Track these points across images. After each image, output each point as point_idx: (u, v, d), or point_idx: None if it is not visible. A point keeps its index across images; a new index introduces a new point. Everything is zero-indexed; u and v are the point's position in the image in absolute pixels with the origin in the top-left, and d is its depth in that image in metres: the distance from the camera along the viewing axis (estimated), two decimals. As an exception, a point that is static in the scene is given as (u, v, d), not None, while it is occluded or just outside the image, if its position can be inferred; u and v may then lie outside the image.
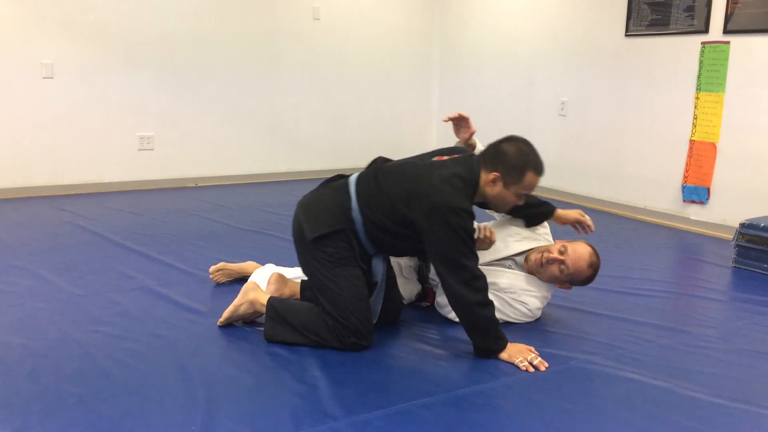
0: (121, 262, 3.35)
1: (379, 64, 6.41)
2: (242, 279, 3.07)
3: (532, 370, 2.26)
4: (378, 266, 2.47)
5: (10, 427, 1.82)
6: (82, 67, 5.07)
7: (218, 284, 3.04)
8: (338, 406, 1.97)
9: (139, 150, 5.41)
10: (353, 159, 6.40)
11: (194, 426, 1.85)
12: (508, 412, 1.97)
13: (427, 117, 6.82)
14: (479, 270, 2.29)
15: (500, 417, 1.94)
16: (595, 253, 2.63)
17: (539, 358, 2.30)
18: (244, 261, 3.20)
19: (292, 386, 2.10)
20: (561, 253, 2.60)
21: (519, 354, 2.31)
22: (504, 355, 2.32)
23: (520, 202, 2.41)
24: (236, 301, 2.54)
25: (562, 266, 2.59)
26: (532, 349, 2.35)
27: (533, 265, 2.67)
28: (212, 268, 3.06)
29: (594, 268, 2.62)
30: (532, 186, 2.35)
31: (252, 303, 2.50)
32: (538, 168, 2.32)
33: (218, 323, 2.56)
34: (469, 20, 6.32)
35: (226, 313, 2.54)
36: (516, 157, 2.30)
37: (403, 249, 2.53)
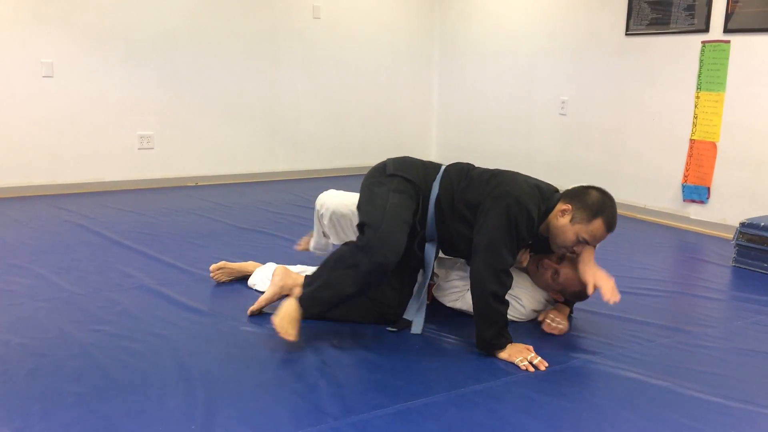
0: (121, 261, 3.35)
1: (379, 63, 6.41)
2: (243, 278, 3.08)
3: (532, 369, 2.26)
4: (430, 253, 2.49)
5: (9, 426, 1.82)
6: (82, 65, 5.07)
7: (219, 283, 3.04)
8: (338, 405, 1.97)
9: (139, 149, 5.40)
10: (353, 158, 6.40)
11: (194, 425, 1.85)
12: (508, 411, 1.97)
13: (427, 116, 6.82)
14: (509, 268, 2.35)
15: (500, 416, 1.94)
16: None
17: (539, 358, 2.30)
18: (244, 260, 3.21)
19: (292, 385, 2.10)
20: (559, 261, 2.59)
21: (518, 354, 2.31)
22: (504, 355, 2.32)
23: (577, 250, 2.42)
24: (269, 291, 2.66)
25: (555, 275, 2.60)
26: (531, 348, 2.35)
27: (530, 268, 2.68)
28: (213, 267, 3.06)
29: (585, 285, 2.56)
30: (596, 236, 2.38)
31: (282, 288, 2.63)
32: (610, 222, 2.38)
33: (249, 312, 2.66)
34: (469, 19, 6.31)
35: (261, 302, 2.66)
36: (595, 202, 2.38)
37: (455, 236, 2.49)
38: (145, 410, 1.92)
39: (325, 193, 3.06)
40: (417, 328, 2.53)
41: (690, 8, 4.43)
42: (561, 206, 2.40)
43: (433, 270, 2.63)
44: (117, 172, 5.34)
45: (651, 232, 4.41)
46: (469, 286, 2.48)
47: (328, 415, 1.91)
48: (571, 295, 2.66)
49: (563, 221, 2.39)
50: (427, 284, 2.58)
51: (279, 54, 5.87)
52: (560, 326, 2.58)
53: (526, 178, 2.48)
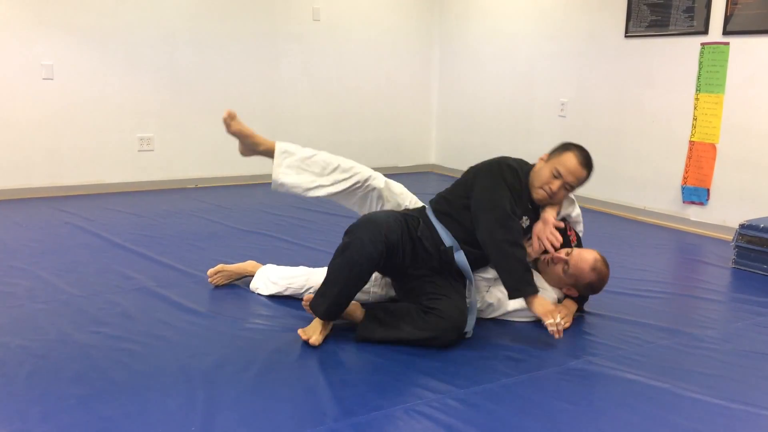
0: (121, 263, 3.35)
1: (378, 64, 6.41)
2: (241, 279, 3.07)
3: (558, 336, 2.34)
4: (461, 258, 2.52)
5: (9, 427, 1.82)
6: (82, 68, 5.07)
7: (217, 287, 3.04)
8: (338, 407, 1.97)
9: (138, 151, 5.41)
10: (353, 160, 6.38)
11: (194, 427, 1.85)
12: (508, 412, 1.97)
13: (426, 118, 6.82)
14: (513, 214, 2.44)
15: (500, 417, 1.94)
16: (603, 261, 2.63)
17: (563, 322, 2.45)
18: (244, 262, 3.20)
19: (292, 387, 2.10)
20: (567, 254, 2.63)
21: (550, 315, 2.35)
22: (538, 309, 2.38)
23: (553, 187, 2.51)
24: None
25: (566, 266, 2.62)
26: (561, 310, 2.51)
27: (541, 266, 2.72)
28: (210, 271, 3.04)
29: (598, 272, 2.60)
30: (568, 166, 2.50)
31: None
32: (582, 156, 2.53)
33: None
34: (468, 21, 6.32)
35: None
36: (565, 143, 2.62)
37: (467, 225, 2.52)
38: (145, 412, 1.92)
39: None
40: (469, 329, 2.50)
41: (689, 10, 4.43)
42: (539, 160, 2.63)
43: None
44: (117, 174, 5.34)
45: (651, 234, 4.41)
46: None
47: (328, 417, 1.91)
48: (584, 289, 2.67)
49: (540, 164, 2.61)
50: (473, 288, 2.57)
51: (279, 56, 5.88)
52: (564, 327, 2.56)
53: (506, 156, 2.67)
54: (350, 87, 6.30)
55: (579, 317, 2.78)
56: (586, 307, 2.86)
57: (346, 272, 2.35)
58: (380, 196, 2.83)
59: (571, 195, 2.70)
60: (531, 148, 5.86)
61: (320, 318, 2.42)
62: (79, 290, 2.94)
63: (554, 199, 2.58)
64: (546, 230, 2.55)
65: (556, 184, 2.52)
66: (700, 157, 4.46)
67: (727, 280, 3.44)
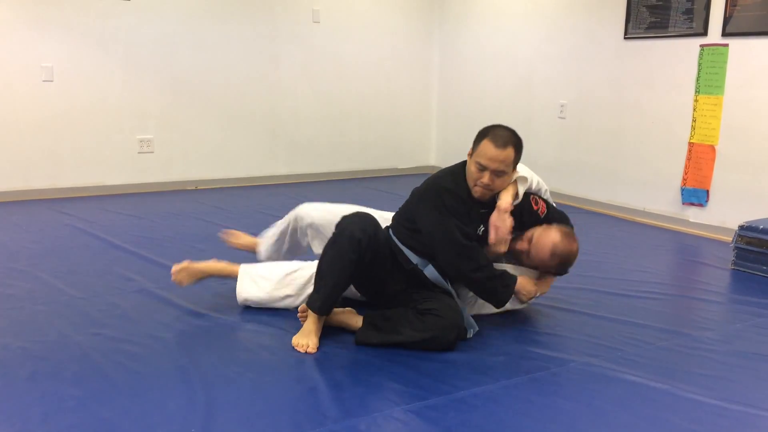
0: (121, 265, 3.35)
1: (378, 66, 6.42)
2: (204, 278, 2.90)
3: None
4: (432, 271, 2.55)
5: (10, 428, 1.82)
6: (82, 70, 5.08)
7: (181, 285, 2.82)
8: (337, 408, 1.97)
9: (138, 153, 5.41)
10: (353, 161, 6.41)
11: (194, 428, 1.85)
12: (507, 414, 1.98)
13: (426, 119, 6.83)
14: (467, 239, 2.43)
15: (499, 419, 1.94)
16: (565, 240, 2.57)
17: (539, 294, 2.64)
18: (244, 263, 3.20)
19: (292, 388, 2.10)
20: (529, 241, 2.61)
21: (531, 296, 2.61)
22: (522, 297, 2.60)
23: (483, 179, 2.43)
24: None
25: (528, 255, 2.62)
26: (540, 286, 2.64)
27: (511, 251, 2.66)
28: (174, 269, 2.79)
29: (558, 257, 2.57)
30: (488, 155, 2.41)
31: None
32: (497, 138, 2.42)
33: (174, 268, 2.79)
34: (468, 22, 6.33)
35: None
36: (482, 129, 2.50)
37: (425, 248, 2.55)
38: (145, 413, 1.92)
39: (305, 205, 3.00)
40: (470, 328, 2.54)
41: (688, 12, 4.44)
42: (467, 156, 2.53)
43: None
44: (117, 176, 5.34)
45: (650, 235, 4.41)
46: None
47: (328, 418, 1.91)
48: (555, 269, 2.66)
49: (468, 162, 2.52)
50: (455, 294, 2.59)
51: (279, 58, 5.88)
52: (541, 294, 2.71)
53: (440, 170, 2.64)
54: (350, 88, 6.30)
55: (578, 318, 2.78)
56: (586, 307, 2.87)
57: (338, 263, 2.38)
58: (311, 225, 2.90)
59: (520, 170, 2.58)
60: (530, 150, 5.84)
61: (316, 313, 2.41)
62: (79, 292, 2.94)
63: (493, 190, 2.49)
64: (498, 218, 2.49)
65: (485, 177, 2.42)
66: (700, 158, 4.47)
67: (726, 282, 3.44)
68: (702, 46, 4.39)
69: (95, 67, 5.12)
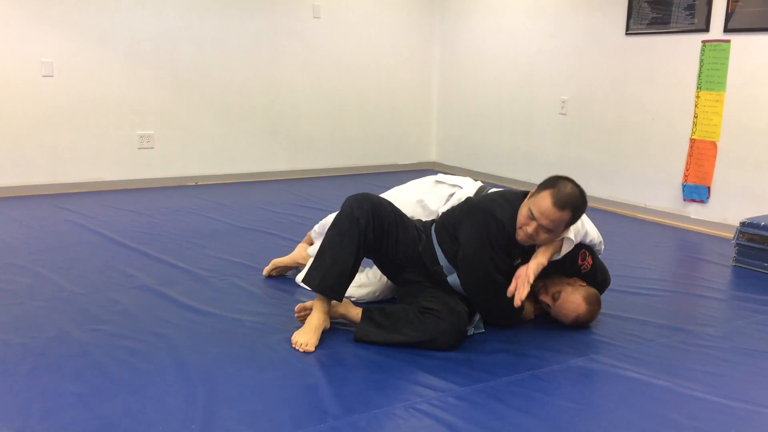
0: (121, 261, 3.35)
1: (379, 62, 6.40)
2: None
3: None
4: (455, 280, 2.53)
5: (9, 425, 1.82)
6: (82, 65, 5.06)
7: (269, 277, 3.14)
8: (338, 404, 1.97)
9: (139, 148, 5.40)
10: (353, 158, 6.40)
11: (194, 425, 1.85)
12: (509, 410, 1.97)
13: (427, 115, 6.81)
14: (496, 275, 2.40)
15: (501, 416, 1.94)
16: (589, 309, 2.56)
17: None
18: (245, 260, 3.19)
19: (293, 385, 2.10)
20: (554, 299, 2.59)
21: (527, 317, 2.69)
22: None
23: (529, 230, 2.34)
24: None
25: (549, 309, 2.63)
26: (532, 311, 2.69)
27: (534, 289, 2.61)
28: (266, 270, 3.15)
29: (579, 325, 2.60)
30: (540, 207, 2.30)
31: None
32: (558, 196, 2.29)
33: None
34: (469, 18, 6.31)
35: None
36: (549, 179, 2.40)
37: (455, 250, 2.51)
38: (145, 410, 1.92)
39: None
40: (473, 326, 2.55)
41: (690, 8, 4.42)
42: (530, 194, 2.44)
43: None
44: (117, 172, 5.34)
45: (651, 232, 4.41)
46: None
47: (329, 415, 1.91)
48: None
49: (524, 202, 2.42)
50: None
51: (279, 53, 5.87)
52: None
53: (501, 193, 2.56)
54: (350, 84, 6.29)
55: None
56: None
57: (338, 240, 2.40)
58: None
59: (571, 231, 2.43)
60: (531, 146, 5.87)
61: (315, 290, 2.40)
62: (79, 288, 2.94)
63: (536, 242, 2.39)
64: (523, 277, 2.37)
65: (531, 227, 2.33)
66: (701, 154, 4.46)
67: (727, 278, 3.43)
68: (704, 42, 4.38)
69: (95, 63, 5.11)
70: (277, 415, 1.91)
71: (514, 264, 2.46)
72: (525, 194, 2.47)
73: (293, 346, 2.35)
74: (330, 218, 2.98)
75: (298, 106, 6.05)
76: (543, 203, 2.30)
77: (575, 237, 2.46)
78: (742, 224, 3.58)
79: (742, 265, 3.57)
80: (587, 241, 2.59)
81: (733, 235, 3.69)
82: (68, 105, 5.06)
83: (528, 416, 1.94)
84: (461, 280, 2.48)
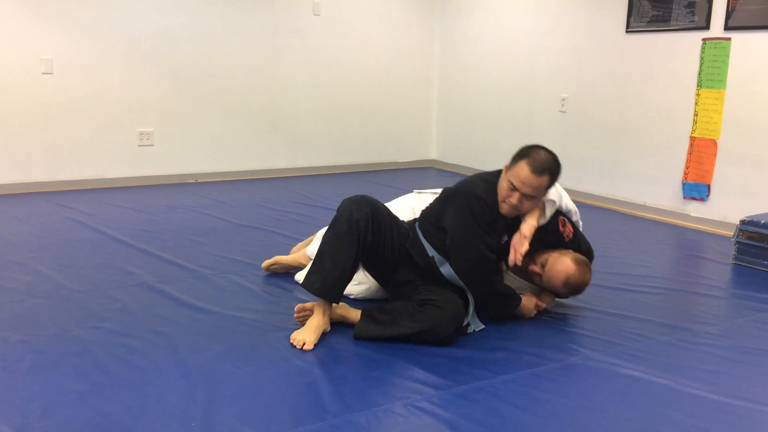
0: (121, 259, 3.35)
1: (379, 59, 6.40)
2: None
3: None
4: (450, 270, 2.55)
5: (9, 423, 1.82)
6: (82, 62, 5.06)
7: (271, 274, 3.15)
8: (338, 402, 1.97)
9: (138, 146, 5.40)
10: (353, 155, 6.39)
11: (194, 422, 1.85)
12: (508, 408, 1.97)
13: (427, 113, 6.81)
14: (487, 252, 2.44)
15: (500, 414, 1.94)
16: (579, 271, 2.56)
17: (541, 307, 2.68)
18: (245, 258, 3.19)
19: (292, 383, 2.10)
20: (542, 266, 2.60)
21: (532, 314, 2.67)
22: (524, 314, 2.66)
23: (513, 200, 2.42)
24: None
25: (541, 279, 2.64)
26: (539, 303, 2.67)
27: (523, 268, 2.68)
28: (265, 264, 3.15)
29: (569, 286, 2.59)
30: (521, 178, 2.39)
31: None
32: (535, 163, 2.40)
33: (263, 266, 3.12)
34: (469, 15, 6.30)
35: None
36: (524, 148, 2.48)
37: (443, 241, 2.56)
38: (144, 407, 1.92)
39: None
40: (472, 324, 2.54)
41: (691, 5, 4.42)
42: (504, 169, 2.52)
43: None
44: (117, 169, 5.33)
45: (651, 230, 4.41)
46: None
47: (328, 413, 1.91)
48: (562, 295, 2.71)
49: (502, 174, 2.51)
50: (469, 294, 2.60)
51: (279, 51, 5.86)
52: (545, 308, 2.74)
53: (477, 175, 2.63)
54: (350, 82, 6.28)
55: (579, 313, 2.78)
56: (587, 302, 2.86)
57: (337, 244, 2.39)
58: None
59: (553, 193, 2.57)
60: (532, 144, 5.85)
61: (315, 294, 2.40)
62: (78, 285, 2.94)
63: (521, 211, 2.48)
64: (518, 241, 2.47)
65: (515, 197, 2.41)
66: (701, 152, 4.45)
67: (727, 276, 3.43)
68: (704, 39, 4.37)
69: (95, 60, 5.10)
70: (276, 412, 1.91)
71: (502, 242, 2.53)
72: (499, 172, 2.55)
73: (292, 342, 2.35)
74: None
75: (297, 104, 6.05)
76: (522, 172, 2.40)
77: (556, 199, 2.58)
78: (742, 222, 3.58)
79: (742, 263, 3.57)
80: (563, 206, 2.66)
81: (733, 233, 3.69)
82: (68, 102, 5.06)
83: (527, 414, 1.94)
84: (454, 265, 2.51)
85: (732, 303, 3.04)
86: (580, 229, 2.79)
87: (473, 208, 2.44)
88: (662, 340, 2.53)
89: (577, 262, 2.58)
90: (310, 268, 2.47)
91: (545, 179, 2.42)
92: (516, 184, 2.40)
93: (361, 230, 2.40)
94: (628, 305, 2.89)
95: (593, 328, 2.62)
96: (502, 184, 2.46)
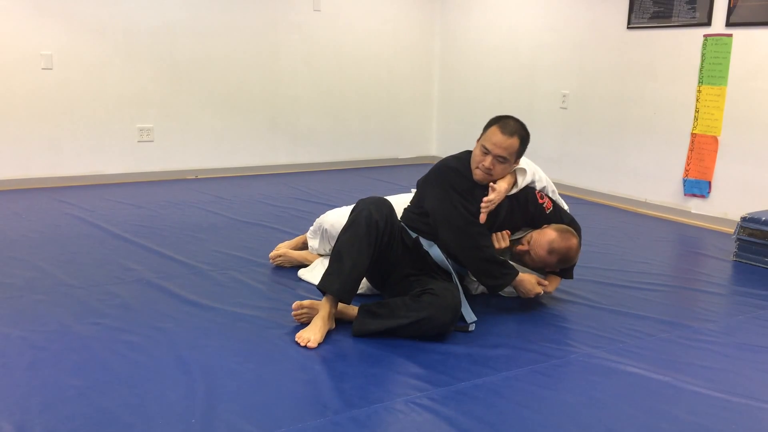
0: (121, 254, 3.34)
1: (379, 55, 6.38)
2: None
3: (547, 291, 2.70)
4: (437, 252, 2.61)
5: (9, 419, 1.82)
6: (82, 58, 5.05)
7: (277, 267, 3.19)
8: (338, 399, 1.97)
9: (138, 142, 5.39)
10: (353, 151, 6.39)
11: (194, 419, 1.84)
12: (508, 405, 1.97)
13: (427, 109, 6.80)
14: (471, 217, 2.52)
15: (500, 410, 1.94)
16: (561, 238, 2.62)
17: (543, 290, 2.68)
18: (245, 253, 3.19)
19: (292, 379, 2.09)
20: (528, 242, 2.67)
21: (534, 292, 2.65)
22: (522, 290, 2.65)
23: (486, 163, 2.53)
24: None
25: (529, 256, 2.68)
26: (541, 281, 2.67)
27: (516, 256, 2.76)
28: (272, 254, 3.20)
29: (556, 254, 2.63)
30: (493, 141, 2.52)
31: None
32: (505, 127, 2.53)
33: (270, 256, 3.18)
34: (470, 12, 6.29)
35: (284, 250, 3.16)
36: (493, 118, 2.61)
37: (428, 225, 2.64)
38: (144, 403, 1.92)
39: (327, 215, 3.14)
40: (470, 321, 2.54)
41: (692, 2, 4.40)
42: (476, 142, 2.63)
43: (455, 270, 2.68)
44: (116, 165, 5.33)
45: (652, 227, 4.40)
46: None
47: (329, 409, 1.91)
48: (556, 267, 2.72)
49: (474, 147, 2.63)
50: (456, 279, 2.62)
51: (279, 46, 5.85)
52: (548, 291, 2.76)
53: (449, 156, 2.72)
54: (351, 77, 6.27)
55: (579, 310, 2.78)
56: (588, 299, 2.86)
57: (356, 245, 2.40)
58: (329, 235, 2.99)
59: (522, 163, 2.68)
60: (532, 140, 5.82)
61: (334, 295, 2.39)
62: (78, 281, 2.94)
63: (494, 176, 2.59)
64: (493, 192, 2.58)
65: (487, 161, 2.54)
66: (702, 149, 4.45)
67: (728, 273, 3.43)
68: (705, 36, 4.36)
69: (95, 55, 5.09)
70: (276, 409, 1.91)
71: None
72: (468, 152, 2.68)
73: (296, 340, 2.35)
74: (326, 218, 3.02)
75: (298, 99, 6.04)
76: (493, 136, 2.54)
77: (526, 167, 2.69)
78: (743, 219, 3.57)
79: (742, 260, 3.57)
80: (536, 180, 2.75)
81: (733, 230, 3.68)
82: (68, 98, 5.05)
83: (528, 411, 1.94)
84: (442, 239, 2.57)
85: (732, 300, 3.04)
86: (564, 207, 2.86)
87: (449, 178, 2.57)
88: (662, 336, 2.53)
89: (558, 229, 2.66)
90: (328, 268, 2.44)
91: (515, 141, 2.55)
92: (488, 146, 2.53)
93: (379, 232, 2.43)
94: (628, 302, 2.89)
95: (593, 325, 2.62)
96: (475, 151, 2.60)
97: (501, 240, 2.68)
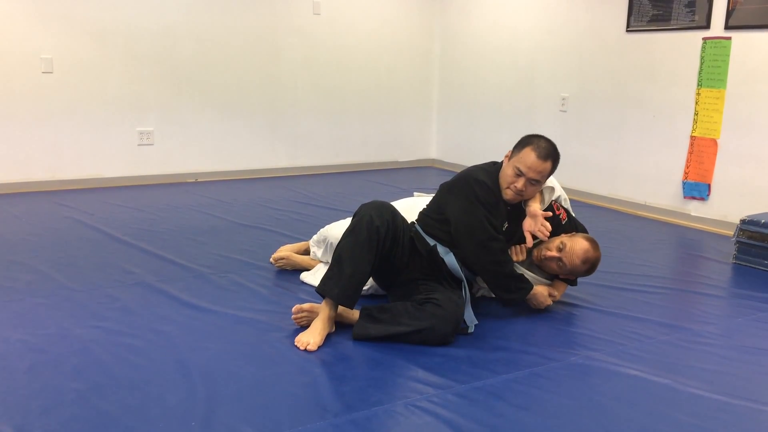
0: (121, 258, 3.34)
1: (379, 58, 6.39)
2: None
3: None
4: (451, 259, 2.60)
5: (9, 422, 1.82)
6: (82, 62, 5.06)
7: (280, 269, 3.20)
8: (338, 402, 1.97)
9: (138, 145, 5.40)
10: (353, 154, 6.39)
11: (194, 422, 1.84)
12: (509, 408, 1.97)
13: (427, 112, 6.81)
14: (494, 232, 2.51)
15: (500, 413, 1.94)
16: (593, 247, 2.68)
17: (552, 300, 2.72)
18: (246, 257, 3.19)
19: (292, 382, 2.09)
20: (559, 250, 2.66)
21: (544, 304, 2.70)
22: (534, 303, 2.69)
23: (519, 185, 2.53)
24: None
25: (560, 263, 2.67)
26: (552, 291, 2.71)
27: (535, 260, 2.76)
28: (274, 257, 3.20)
29: (589, 263, 2.68)
30: (526, 162, 2.51)
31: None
32: (539, 150, 2.52)
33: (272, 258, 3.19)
34: (469, 15, 6.30)
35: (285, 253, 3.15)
36: (526, 137, 2.61)
37: (446, 232, 2.63)
38: (145, 407, 1.92)
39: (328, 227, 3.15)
40: (470, 323, 2.53)
41: (691, 5, 4.41)
42: (504, 158, 2.64)
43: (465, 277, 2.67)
44: (116, 168, 5.33)
45: (651, 229, 4.41)
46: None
47: (329, 412, 1.91)
48: (579, 275, 2.77)
49: (504, 163, 2.63)
50: (466, 287, 2.62)
51: (279, 50, 5.86)
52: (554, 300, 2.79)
53: (473, 166, 2.71)
54: (350, 81, 6.28)
55: (579, 312, 2.78)
56: (587, 302, 2.86)
57: (357, 250, 2.39)
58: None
59: (550, 181, 2.72)
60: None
61: (334, 300, 2.39)
62: (78, 285, 2.94)
63: (525, 197, 2.61)
64: (536, 224, 2.60)
65: (520, 183, 2.54)
66: (701, 152, 4.45)
67: (727, 276, 3.43)
68: (705, 39, 4.37)
69: (95, 59, 5.10)
70: (276, 412, 1.91)
71: (503, 228, 2.61)
72: (493, 163, 2.70)
73: (296, 344, 2.35)
74: (331, 232, 3.02)
75: (298, 103, 6.04)
76: (528, 158, 2.52)
77: (554, 184, 2.74)
78: (743, 221, 3.57)
79: (742, 263, 3.57)
80: (558, 194, 2.81)
81: (733, 233, 3.68)
82: (68, 101, 5.06)
83: (528, 413, 1.94)
84: (462, 250, 2.56)
85: (732, 302, 3.04)
86: (572, 214, 2.92)
87: (476, 191, 2.53)
88: (662, 339, 2.53)
89: (588, 239, 2.71)
90: (327, 273, 2.44)
91: (549, 165, 2.56)
92: (522, 169, 2.51)
93: (381, 237, 2.42)
94: (628, 304, 2.89)
95: (593, 328, 2.62)
96: (507, 171, 2.57)
97: (519, 254, 2.72)
